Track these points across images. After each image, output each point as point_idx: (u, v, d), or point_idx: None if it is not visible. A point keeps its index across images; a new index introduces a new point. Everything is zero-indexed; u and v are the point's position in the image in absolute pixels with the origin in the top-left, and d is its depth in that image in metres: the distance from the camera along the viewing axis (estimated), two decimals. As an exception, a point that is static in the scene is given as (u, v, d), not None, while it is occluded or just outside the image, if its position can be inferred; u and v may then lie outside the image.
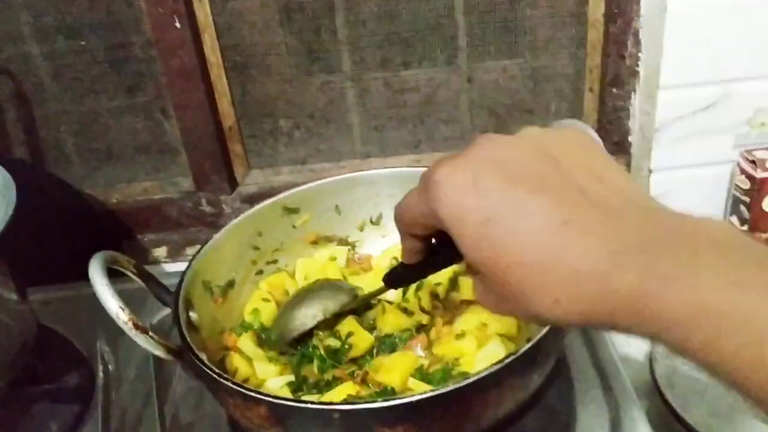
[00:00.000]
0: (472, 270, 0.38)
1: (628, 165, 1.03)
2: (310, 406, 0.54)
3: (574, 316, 0.33)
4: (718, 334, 0.29)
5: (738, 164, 0.91)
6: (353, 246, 0.88)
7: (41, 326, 0.85)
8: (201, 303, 0.71)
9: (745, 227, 0.92)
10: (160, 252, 1.08)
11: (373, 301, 0.76)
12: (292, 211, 0.83)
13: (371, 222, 0.87)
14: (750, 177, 0.89)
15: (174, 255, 1.06)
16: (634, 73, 0.96)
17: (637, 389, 0.90)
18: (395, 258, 0.81)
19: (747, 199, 0.90)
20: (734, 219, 0.94)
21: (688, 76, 0.90)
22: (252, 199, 1.06)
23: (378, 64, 1.02)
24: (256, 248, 0.81)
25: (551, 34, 1.00)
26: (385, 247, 0.86)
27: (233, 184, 1.07)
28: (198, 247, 1.02)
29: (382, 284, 0.57)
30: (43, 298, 0.93)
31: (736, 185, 0.92)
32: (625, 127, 1.01)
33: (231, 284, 0.78)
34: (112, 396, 0.78)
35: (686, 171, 0.98)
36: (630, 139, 1.02)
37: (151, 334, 0.61)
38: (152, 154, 1.08)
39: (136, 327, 0.60)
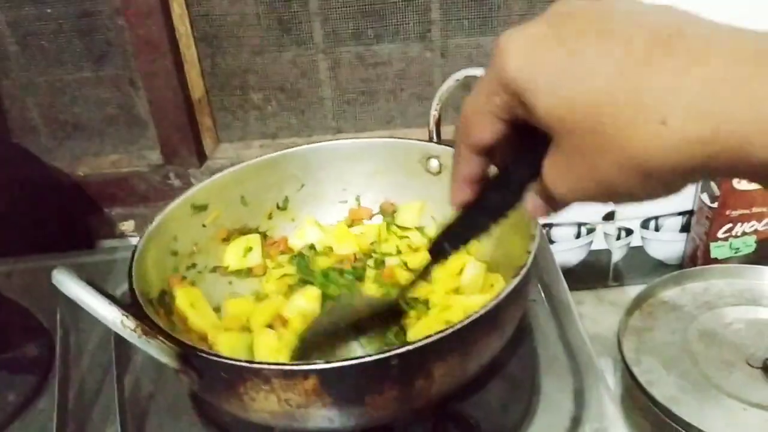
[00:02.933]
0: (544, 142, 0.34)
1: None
2: (367, 359, 0.52)
3: (690, 146, 0.28)
4: None
5: (709, 141, 0.91)
6: (265, 235, 0.83)
7: (1, 297, 0.83)
8: (152, 314, 0.63)
9: (715, 204, 0.92)
10: (128, 226, 1.06)
11: None
12: (200, 208, 0.78)
13: (278, 207, 0.84)
14: (720, 153, 0.88)
15: (142, 229, 1.04)
16: (608, 49, 0.95)
17: (606, 366, 0.90)
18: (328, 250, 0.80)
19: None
20: (705, 196, 0.93)
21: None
22: (221, 173, 1.05)
23: (350, 37, 1.00)
24: (175, 253, 0.75)
25: (525, 9, 0.99)
26: (297, 229, 0.83)
27: (202, 157, 1.06)
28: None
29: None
30: (5, 270, 0.91)
31: (707, 162, 0.92)
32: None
33: (164, 294, 0.70)
34: (72, 367, 0.76)
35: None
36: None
37: (161, 338, 0.55)
38: (120, 127, 1.06)
39: (146, 333, 0.54)
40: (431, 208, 0.79)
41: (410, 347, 0.53)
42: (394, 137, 0.83)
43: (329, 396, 0.54)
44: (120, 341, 0.77)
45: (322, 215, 0.84)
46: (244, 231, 0.81)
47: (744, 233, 0.94)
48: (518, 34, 0.33)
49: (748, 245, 0.95)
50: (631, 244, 1.05)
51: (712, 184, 0.92)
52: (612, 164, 0.31)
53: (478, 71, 0.73)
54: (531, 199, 0.38)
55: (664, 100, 0.28)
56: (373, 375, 0.54)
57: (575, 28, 0.32)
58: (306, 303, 0.71)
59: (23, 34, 0.98)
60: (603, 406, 0.68)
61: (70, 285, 0.53)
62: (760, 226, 0.93)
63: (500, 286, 0.66)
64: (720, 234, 0.94)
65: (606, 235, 1.03)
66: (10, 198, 1.01)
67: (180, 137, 1.03)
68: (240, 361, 0.55)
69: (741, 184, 0.90)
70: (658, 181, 0.30)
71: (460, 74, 0.75)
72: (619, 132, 0.29)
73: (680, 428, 0.75)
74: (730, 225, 0.93)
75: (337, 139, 0.85)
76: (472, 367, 0.59)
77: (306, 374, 0.53)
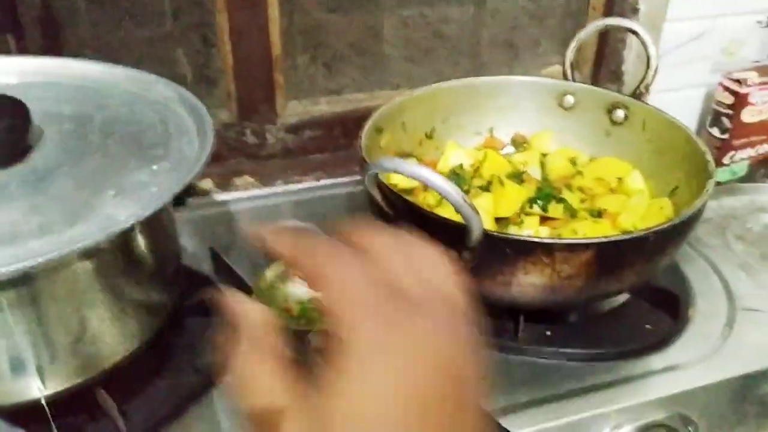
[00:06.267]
0: None
1: (620, 90, 1.21)
2: (638, 234, 0.64)
3: None
4: None
5: (721, 84, 1.12)
6: (418, 159, 0.92)
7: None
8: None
9: (726, 135, 1.14)
10: (205, 184, 1.05)
11: None
12: (378, 131, 0.85)
13: (426, 136, 0.93)
14: (735, 93, 1.10)
15: (223, 186, 1.04)
16: (635, 10, 1.14)
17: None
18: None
19: (729, 112, 1.12)
20: (715, 130, 1.15)
21: (687, 10, 1.10)
22: (295, 129, 1.08)
23: (417, -3, 1.09)
24: None
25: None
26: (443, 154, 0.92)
27: (275, 115, 1.08)
28: (245, 177, 1.04)
29: None
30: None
31: (719, 101, 1.13)
32: (620, 58, 1.18)
33: None
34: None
35: (668, 93, 1.17)
36: (623, 68, 1.19)
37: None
38: (188, 85, 1.04)
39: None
40: (561, 139, 0.92)
41: (667, 225, 0.65)
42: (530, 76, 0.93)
43: (597, 266, 0.64)
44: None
45: (461, 144, 0.93)
46: (402, 155, 0.88)
47: (741, 159, 1.17)
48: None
49: (743, 168, 1.18)
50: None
51: (724, 119, 1.13)
52: None
53: (618, 20, 0.86)
54: None
55: None
56: (634, 248, 0.65)
57: None
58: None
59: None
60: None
61: (408, 166, 0.59)
62: (753, 152, 1.17)
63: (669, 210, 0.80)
64: (725, 161, 1.16)
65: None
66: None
67: (261, 94, 1.04)
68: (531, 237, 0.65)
69: (746, 118, 1.12)
70: None
71: (602, 23, 0.88)
72: None
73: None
74: (733, 153, 1.16)
75: (483, 76, 0.93)
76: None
77: (587, 247, 0.63)
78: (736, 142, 1.15)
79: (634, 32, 0.85)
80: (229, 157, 1.07)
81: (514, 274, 0.64)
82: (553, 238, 0.64)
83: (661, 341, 0.75)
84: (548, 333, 0.74)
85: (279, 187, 1.04)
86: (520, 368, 0.72)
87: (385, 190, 0.67)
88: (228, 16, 0.98)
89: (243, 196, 1.02)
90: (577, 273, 0.64)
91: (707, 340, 0.76)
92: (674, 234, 0.67)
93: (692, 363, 0.73)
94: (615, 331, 0.75)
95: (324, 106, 1.11)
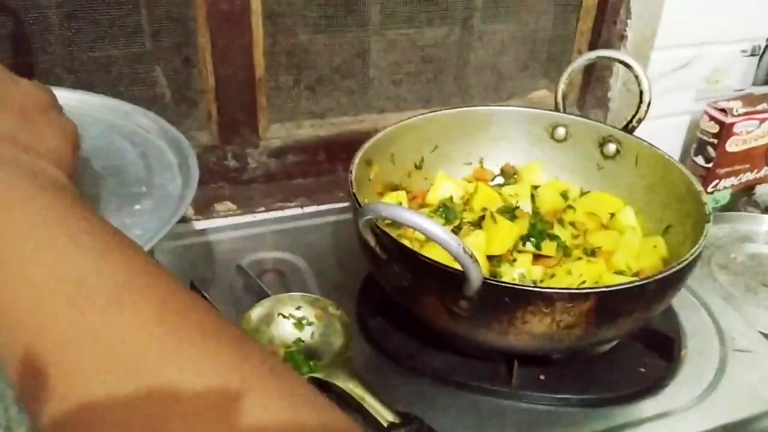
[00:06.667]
0: None
1: (604, 118, 1.20)
2: (637, 283, 0.62)
3: None
4: None
5: (706, 112, 1.12)
6: (406, 191, 0.90)
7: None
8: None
9: (710, 164, 1.14)
10: (187, 211, 1.01)
11: None
12: (368, 163, 0.83)
13: (415, 167, 0.91)
14: (720, 122, 1.10)
15: (203, 212, 1.01)
16: (622, 37, 1.13)
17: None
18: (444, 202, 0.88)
19: (714, 141, 1.11)
20: (700, 159, 1.15)
21: (674, 39, 1.09)
22: (278, 153, 1.05)
23: (405, 20, 1.06)
24: None
25: (550, -1, 1.13)
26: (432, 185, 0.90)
27: (257, 137, 1.04)
28: (225, 203, 1.01)
29: None
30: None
31: (704, 130, 1.13)
32: (607, 85, 1.18)
33: None
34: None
35: (653, 121, 1.17)
36: (609, 94, 1.19)
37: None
38: (164, 107, 1.01)
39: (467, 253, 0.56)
40: (552, 171, 0.90)
41: (669, 272, 0.64)
42: (519, 106, 0.92)
43: (597, 314, 0.62)
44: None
45: (451, 174, 0.91)
46: (391, 187, 0.86)
47: (724, 187, 1.17)
48: None
49: (725, 197, 1.19)
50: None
51: (709, 148, 1.13)
52: None
53: (610, 53, 0.85)
54: None
55: None
56: (635, 296, 0.64)
57: None
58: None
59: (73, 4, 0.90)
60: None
61: (407, 214, 0.56)
62: (736, 181, 1.17)
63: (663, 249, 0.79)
64: (709, 189, 1.16)
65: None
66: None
67: (243, 116, 1.01)
68: (531, 286, 0.63)
69: (731, 147, 1.12)
70: None
71: (594, 54, 0.86)
72: None
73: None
74: (717, 181, 1.16)
75: (469, 106, 0.91)
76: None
77: (587, 296, 0.61)
78: (719, 171, 1.15)
79: (628, 65, 0.84)
80: (210, 181, 1.03)
81: (512, 323, 0.62)
82: (553, 288, 0.62)
83: (655, 385, 0.74)
84: (542, 377, 0.73)
85: (261, 215, 1.01)
86: (513, 415, 0.70)
87: (379, 232, 0.65)
88: (210, 36, 0.95)
89: (223, 224, 0.98)
90: (577, 322, 0.62)
91: (700, 382, 0.75)
92: (675, 280, 0.65)
93: (686, 408, 0.72)
94: (609, 374, 0.74)
95: (308, 130, 1.08)
